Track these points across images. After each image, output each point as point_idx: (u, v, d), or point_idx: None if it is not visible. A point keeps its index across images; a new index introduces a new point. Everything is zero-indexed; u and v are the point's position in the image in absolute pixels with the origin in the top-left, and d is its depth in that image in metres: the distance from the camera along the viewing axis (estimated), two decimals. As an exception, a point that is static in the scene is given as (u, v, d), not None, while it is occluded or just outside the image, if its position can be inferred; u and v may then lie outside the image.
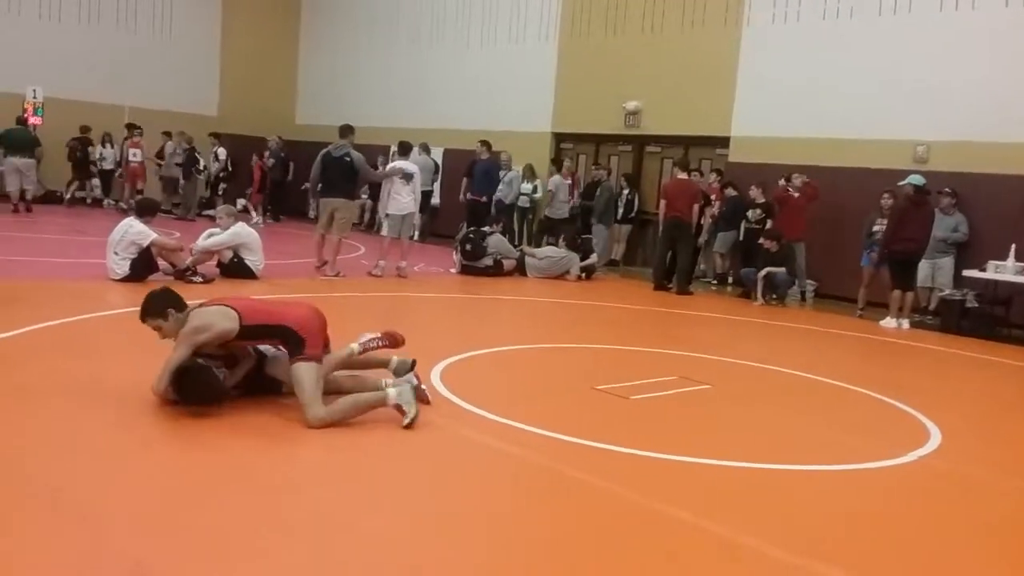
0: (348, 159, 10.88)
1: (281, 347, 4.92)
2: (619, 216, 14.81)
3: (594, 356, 7.50)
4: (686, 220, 12.26)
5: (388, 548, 3.29)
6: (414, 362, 5.37)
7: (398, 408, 4.78)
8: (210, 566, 2.98)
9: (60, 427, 4.39)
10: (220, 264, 9.92)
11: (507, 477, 4.27)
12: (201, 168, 17.74)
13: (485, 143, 15.53)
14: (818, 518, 3.99)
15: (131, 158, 17.62)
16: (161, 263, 9.29)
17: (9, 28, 17.80)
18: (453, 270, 12.56)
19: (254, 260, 10.02)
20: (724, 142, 14.13)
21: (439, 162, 16.97)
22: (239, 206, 15.96)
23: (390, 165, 11.59)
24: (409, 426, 4.74)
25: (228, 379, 4.89)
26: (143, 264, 9.07)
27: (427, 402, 5.15)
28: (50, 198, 17.66)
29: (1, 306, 7.35)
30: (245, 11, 21.16)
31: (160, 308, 4.79)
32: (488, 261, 12.42)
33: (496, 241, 12.69)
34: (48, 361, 5.66)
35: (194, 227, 13.85)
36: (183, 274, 9.30)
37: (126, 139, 17.85)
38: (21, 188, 15.86)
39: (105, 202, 18.32)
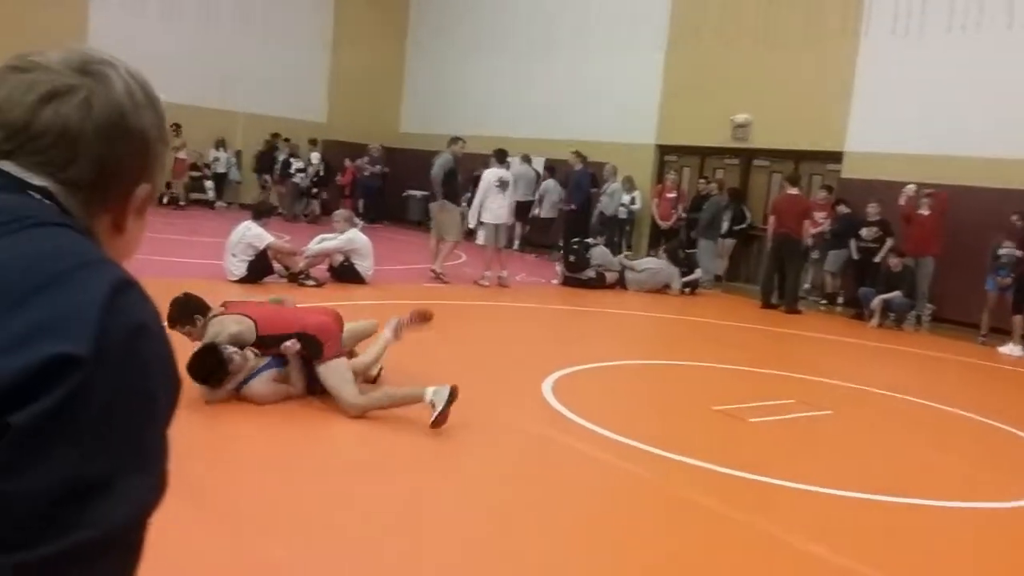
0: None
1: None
2: (724, 231, 14.53)
3: (707, 375, 7.34)
4: (795, 236, 11.94)
5: (502, 559, 3.26)
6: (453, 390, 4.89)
7: (432, 406, 4.73)
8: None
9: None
10: (331, 268, 10.10)
11: (623, 496, 4.19)
12: (294, 172, 18.24)
13: (578, 153, 15.47)
14: (946, 557, 3.79)
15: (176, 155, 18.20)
16: (276, 266, 9.52)
17: (131, 30, 18.58)
18: (555, 281, 12.52)
19: (364, 265, 10.18)
20: (836, 157, 13.70)
21: (540, 172, 16.98)
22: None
23: (486, 172, 11.62)
24: (435, 424, 4.67)
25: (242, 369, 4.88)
26: (259, 266, 9.31)
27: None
28: (170, 200, 18.36)
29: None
30: (356, 21, 21.62)
31: (188, 315, 5.04)
32: (591, 273, 12.33)
33: (599, 253, 12.59)
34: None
35: (293, 228, 14.17)
36: (296, 277, 9.51)
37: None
38: None
39: (217, 204, 18.93)
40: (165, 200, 17.43)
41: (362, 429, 4.78)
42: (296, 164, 18.44)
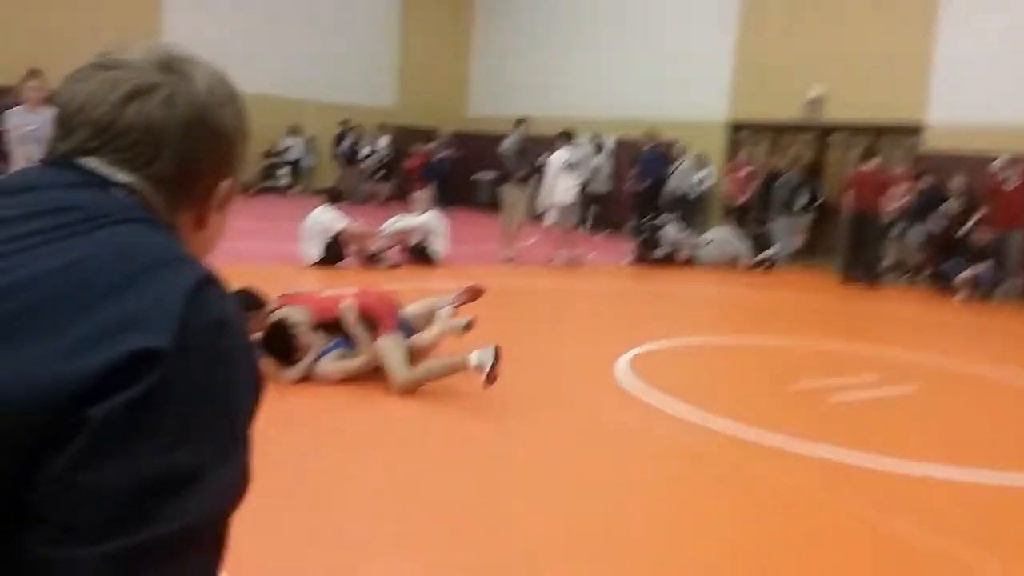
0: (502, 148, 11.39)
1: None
2: (799, 207, 14.21)
3: (786, 352, 7.20)
4: (873, 211, 11.63)
5: (583, 536, 3.25)
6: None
7: (479, 369, 4.81)
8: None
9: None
10: (406, 249, 10.19)
11: (700, 477, 4.14)
12: (362, 157, 18.45)
13: (650, 131, 15.30)
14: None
15: None
16: (350, 249, 9.65)
17: (202, 23, 18.96)
18: (626, 260, 12.43)
19: (440, 247, 10.25)
20: (916, 130, 13.28)
21: (610, 150, 16.85)
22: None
23: (554, 153, 11.56)
24: (488, 382, 4.77)
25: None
26: (334, 250, 9.46)
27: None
28: (243, 187, 18.78)
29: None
30: (423, 5, 21.69)
31: (244, 308, 5.06)
32: (662, 251, 12.21)
33: (671, 231, 12.46)
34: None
35: (363, 213, 14.32)
36: (371, 259, 9.64)
37: None
38: None
39: (291, 190, 19.28)
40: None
41: (424, 406, 4.83)
42: (364, 149, 18.66)
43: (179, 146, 0.91)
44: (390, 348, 5.02)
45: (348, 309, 5.15)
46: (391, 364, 4.96)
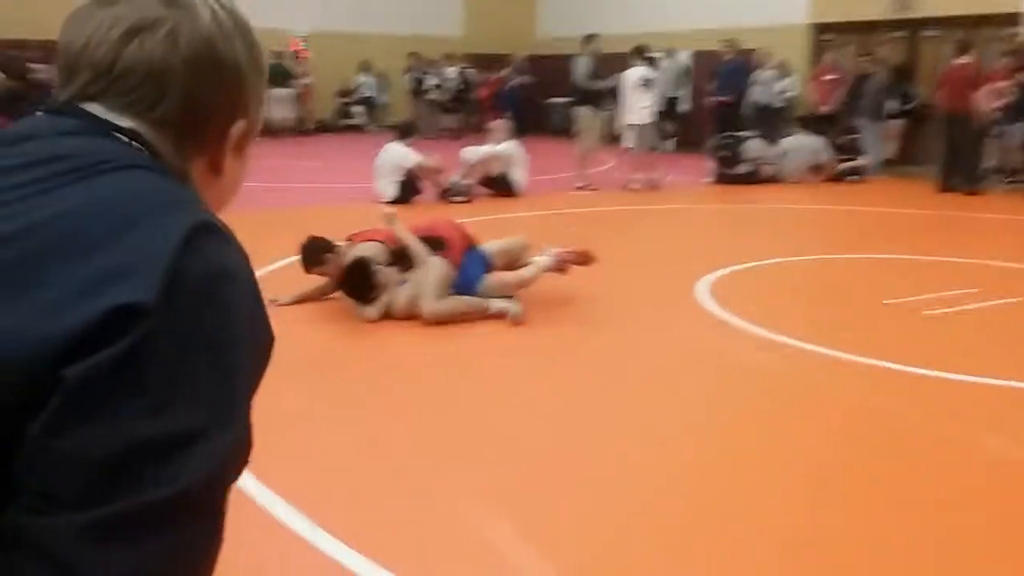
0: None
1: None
2: (891, 112, 13.50)
3: (877, 266, 6.90)
4: (966, 111, 10.93)
5: (666, 461, 3.18)
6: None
7: (500, 314, 4.96)
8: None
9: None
10: (485, 180, 10.08)
11: (789, 400, 4.01)
12: (428, 88, 18.28)
13: (730, 41, 14.68)
14: None
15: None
16: (425, 184, 9.62)
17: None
18: (707, 179, 12.07)
19: (519, 177, 10.12)
20: (1014, 19, 12.37)
21: (689, 65, 16.28)
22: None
23: (628, 71, 11.18)
24: (516, 321, 4.92)
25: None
26: (409, 186, 9.44)
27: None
28: (318, 126, 18.93)
29: (288, 230, 7.92)
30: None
31: (316, 255, 5.15)
32: (745, 168, 11.81)
33: (753, 146, 12.00)
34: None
35: (436, 147, 14.26)
36: (446, 194, 9.59)
37: None
38: (283, 116, 17.41)
39: (367, 127, 19.33)
40: (312, 127, 18.06)
41: (503, 331, 4.80)
42: (429, 81, 18.47)
43: (184, 85, 0.85)
44: (431, 272, 4.97)
45: (401, 229, 5.13)
46: (423, 289, 4.93)
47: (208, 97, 0.87)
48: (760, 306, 5.57)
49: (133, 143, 0.83)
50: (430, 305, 4.91)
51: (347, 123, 19.43)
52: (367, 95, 19.40)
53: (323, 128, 18.97)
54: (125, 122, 0.84)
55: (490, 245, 5.42)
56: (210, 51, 0.86)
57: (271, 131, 17.46)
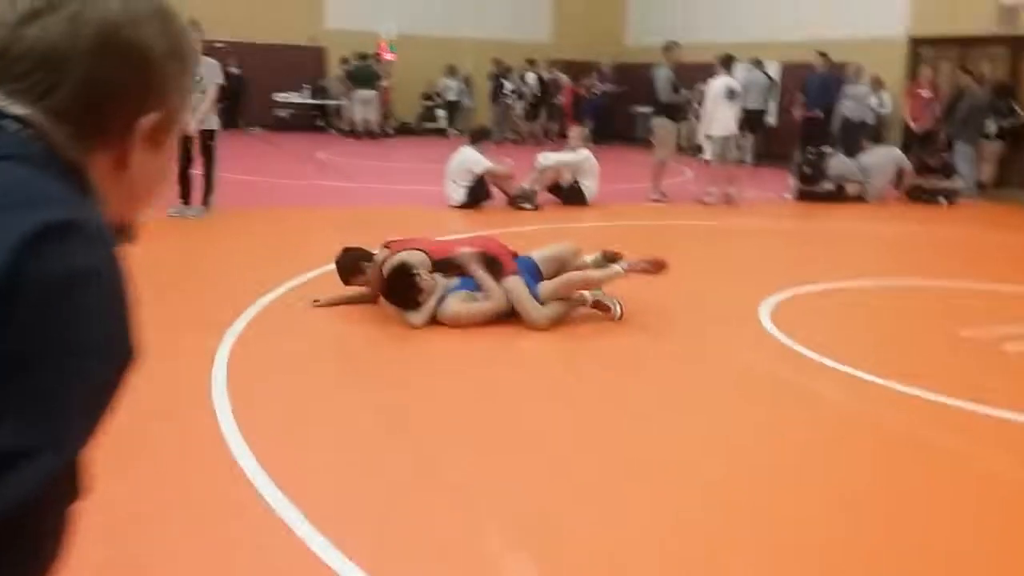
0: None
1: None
2: (989, 132, 12.84)
3: (958, 295, 6.50)
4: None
5: (719, 496, 2.99)
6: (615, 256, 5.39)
7: (597, 305, 5.13)
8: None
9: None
10: (558, 187, 9.96)
11: (853, 437, 3.76)
12: (506, 93, 18.29)
13: (822, 54, 14.21)
14: None
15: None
16: (494, 190, 9.54)
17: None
18: (788, 195, 11.68)
19: (590, 186, 9.97)
20: None
21: (774, 77, 15.83)
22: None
23: (713, 81, 10.93)
24: (619, 317, 5.06)
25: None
26: (478, 191, 9.38)
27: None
28: (401, 129, 19.12)
29: (353, 230, 7.94)
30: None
31: (353, 266, 5.13)
32: (828, 185, 11.38)
33: (838, 163, 11.55)
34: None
35: (510, 152, 14.19)
36: (514, 200, 9.50)
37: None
38: (364, 118, 17.63)
39: (449, 131, 19.42)
40: (391, 130, 18.24)
41: (563, 345, 4.67)
42: (508, 86, 18.43)
43: (85, 72, 0.79)
44: (519, 287, 4.97)
45: (469, 256, 5.06)
46: (524, 305, 4.94)
47: (112, 85, 0.80)
48: (827, 331, 5.30)
49: (21, 132, 0.77)
50: (539, 316, 4.93)
51: (429, 126, 19.56)
52: (451, 99, 19.50)
53: (405, 130, 19.14)
54: (16, 109, 0.78)
55: (537, 253, 5.32)
56: (116, 36, 0.80)
57: (352, 132, 17.73)
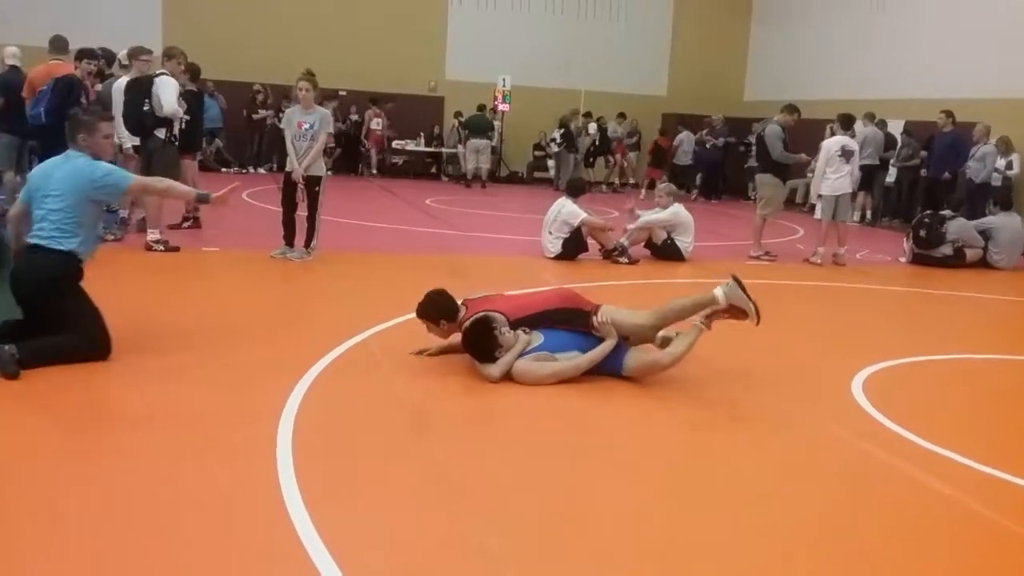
0: (762, 135, 10.69)
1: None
2: None
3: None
4: None
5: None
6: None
7: (732, 310, 4.90)
8: None
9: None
10: (652, 244, 9.86)
11: (940, 523, 3.48)
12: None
13: (947, 112, 13.65)
14: None
15: (373, 127, 18.70)
16: (591, 242, 9.50)
17: (486, 24, 19.73)
18: (903, 259, 11.17)
19: (685, 242, 9.83)
20: None
21: (895, 135, 15.30)
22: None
23: (828, 140, 10.67)
24: (757, 320, 4.88)
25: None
26: (574, 243, 9.35)
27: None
28: (512, 178, 19.37)
29: (448, 277, 8.03)
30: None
31: (433, 313, 5.13)
32: (947, 250, 10.83)
33: (958, 227, 10.98)
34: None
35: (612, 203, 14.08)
36: (611, 254, 9.43)
37: (368, 110, 18.76)
38: (478, 166, 18.00)
39: (556, 182, 19.53)
40: (484, 177, 18.31)
41: (642, 402, 4.53)
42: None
43: None
44: (609, 343, 4.92)
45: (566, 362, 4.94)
46: (639, 355, 4.99)
47: None
48: (926, 409, 4.99)
49: None
50: (667, 357, 4.91)
51: (540, 175, 19.74)
52: (557, 150, 19.66)
53: (516, 179, 19.39)
54: None
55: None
56: None
57: (464, 179, 18.08)
